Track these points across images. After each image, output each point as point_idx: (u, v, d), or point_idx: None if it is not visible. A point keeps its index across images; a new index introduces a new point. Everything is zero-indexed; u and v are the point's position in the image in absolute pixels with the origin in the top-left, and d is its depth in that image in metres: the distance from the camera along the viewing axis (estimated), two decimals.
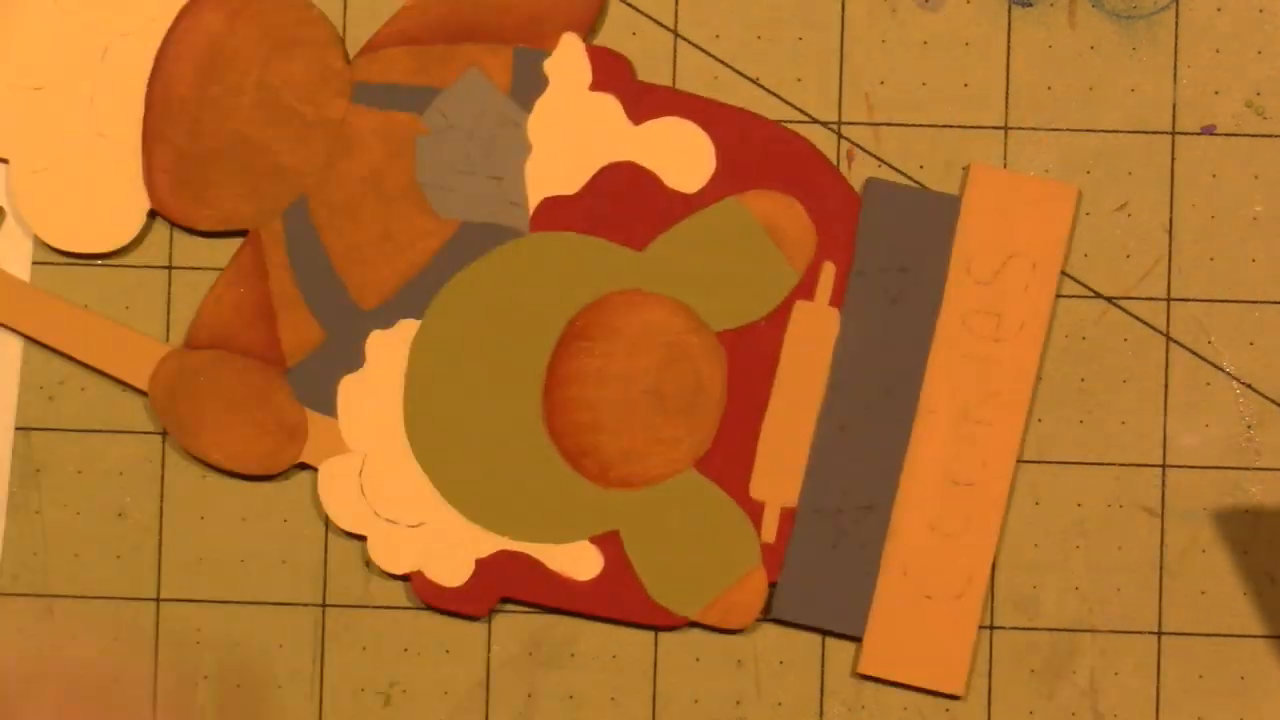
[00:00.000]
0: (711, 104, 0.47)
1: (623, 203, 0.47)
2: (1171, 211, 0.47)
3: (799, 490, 0.47)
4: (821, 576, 0.46)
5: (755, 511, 0.47)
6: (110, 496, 0.48)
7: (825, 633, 0.47)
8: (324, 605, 0.48)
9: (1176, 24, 0.47)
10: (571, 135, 0.47)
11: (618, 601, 0.47)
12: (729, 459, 0.47)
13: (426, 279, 0.47)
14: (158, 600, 0.48)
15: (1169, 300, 0.47)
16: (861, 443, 0.47)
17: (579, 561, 0.47)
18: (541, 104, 0.47)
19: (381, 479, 0.47)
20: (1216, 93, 0.47)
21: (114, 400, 0.48)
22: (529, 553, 0.47)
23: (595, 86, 0.47)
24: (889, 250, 0.47)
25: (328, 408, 0.47)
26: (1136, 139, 0.47)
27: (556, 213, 0.47)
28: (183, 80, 0.47)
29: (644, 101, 0.47)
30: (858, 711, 0.47)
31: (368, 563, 0.47)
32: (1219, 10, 0.47)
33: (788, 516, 0.47)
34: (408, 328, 0.47)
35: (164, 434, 0.48)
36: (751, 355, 0.47)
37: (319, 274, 0.47)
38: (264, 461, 0.47)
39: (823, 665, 0.47)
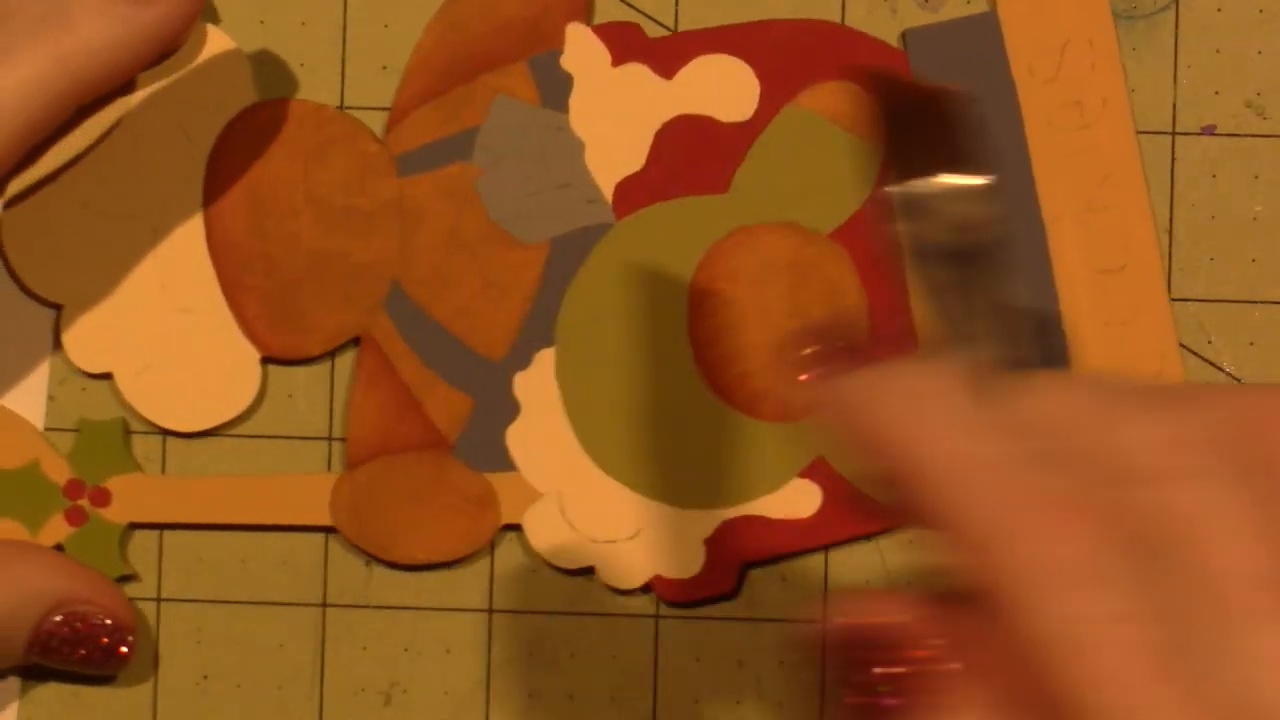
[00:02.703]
0: (727, 29, 0.47)
1: (690, 156, 0.47)
2: (1171, 211, 0.47)
3: None
4: None
5: None
6: None
7: None
8: (324, 605, 0.47)
9: (1176, 24, 0.47)
10: (615, 115, 0.47)
11: (852, 520, 0.47)
12: (892, 345, 0.47)
13: (542, 306, 0.47)
14: (158, 600, 0.48)
15: (1169, 300, 0.47)
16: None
17: (798, 500, 0.47)
18: (575, 99, 0.47)
19: (584, 507, 0.47)
20: (1216, 93, 0.47)
21: (114, 400, 0.47)
22: (749, 512, 0.47)
23: (617, 61, 0.47)
24: None
25: (505, 464, 0.47)
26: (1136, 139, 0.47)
27: (633, 192, 0.47)
28: (236, 226, 0.47)
29: (666, 54, 0.47)
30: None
31: (368, 562, 0.47)
32: (1219, 10, 0.47)
33: None
34: (546, 358, 0.47)
35: (165, 434, 0.47)
36: (871, 241, 0.47)
37: (441, 346, 0.47)
38: (468, 540, 0.47)
39: (823, 665, 0.47)
